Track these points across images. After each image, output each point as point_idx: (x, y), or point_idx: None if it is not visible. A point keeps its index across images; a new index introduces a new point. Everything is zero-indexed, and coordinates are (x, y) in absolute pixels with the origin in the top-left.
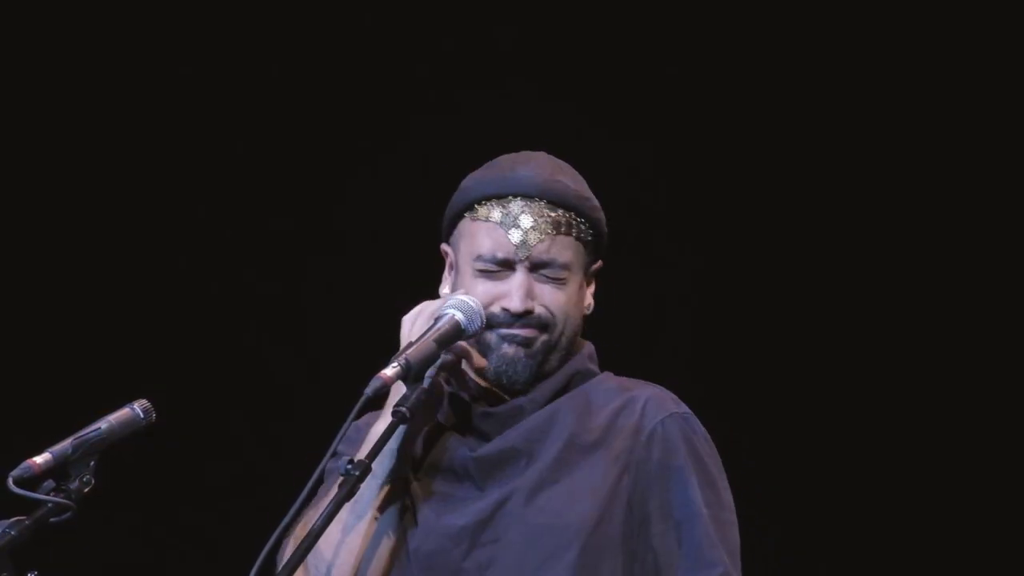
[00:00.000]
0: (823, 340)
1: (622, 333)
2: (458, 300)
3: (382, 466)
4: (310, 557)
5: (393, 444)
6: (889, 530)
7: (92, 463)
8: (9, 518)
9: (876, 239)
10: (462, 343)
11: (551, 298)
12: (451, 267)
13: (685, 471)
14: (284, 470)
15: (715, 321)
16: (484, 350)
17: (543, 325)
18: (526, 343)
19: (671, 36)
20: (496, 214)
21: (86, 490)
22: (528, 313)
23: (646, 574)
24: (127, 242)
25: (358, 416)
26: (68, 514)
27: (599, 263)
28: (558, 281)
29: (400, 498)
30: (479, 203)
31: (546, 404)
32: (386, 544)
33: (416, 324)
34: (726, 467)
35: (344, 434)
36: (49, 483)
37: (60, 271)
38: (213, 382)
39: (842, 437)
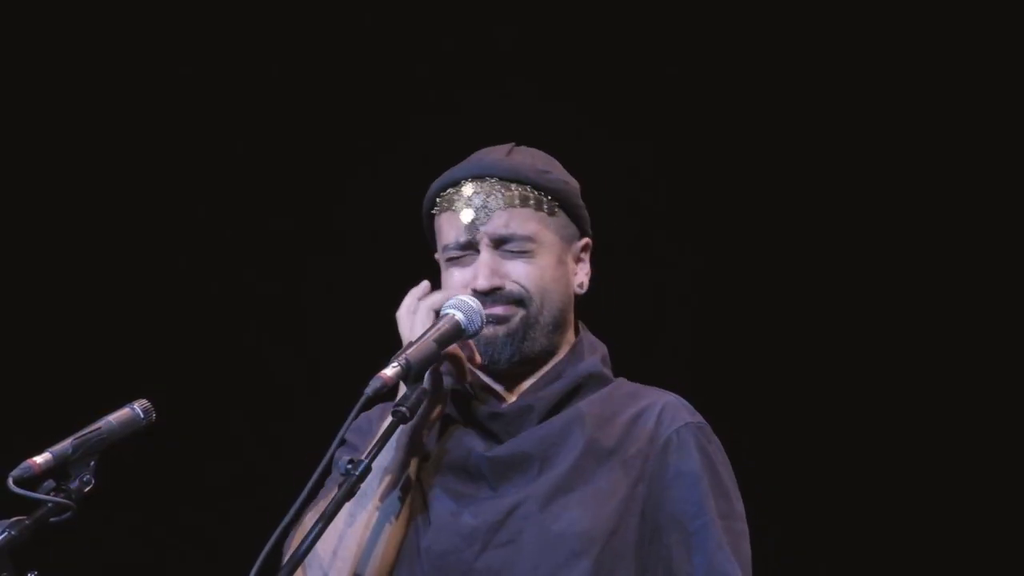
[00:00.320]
0: (823, 340)
1: (622, 333)
2: (458, 299)
3: (386, 461)
4: (310, 557)
5: (395, 441)
6: (889, 530)
7: (92, 463)
8: (9, 518)
9: (876, 239)
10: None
11: (521, 272)
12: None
13: (700, 481)
14: (284, 470)
15: (715, 321)
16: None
17: (518, 300)
18: (502, 320)
19: (671, 36)
20: (451, 202)
21: (86, 490)
22: (497, 290)
23: None
24: (127, 242)
25: (357, 416)
26: (68, 514)
27: (585, 240)
28: (525, 254)
29: (406, 494)
30: (438, 198)
31: (555, 405)
32: (390, 539)
33: (417, 318)
34: None
35: (344, 434)
36: (49, 483)
37: (60, 271)
38: (213, 382)
39: (842, 437)
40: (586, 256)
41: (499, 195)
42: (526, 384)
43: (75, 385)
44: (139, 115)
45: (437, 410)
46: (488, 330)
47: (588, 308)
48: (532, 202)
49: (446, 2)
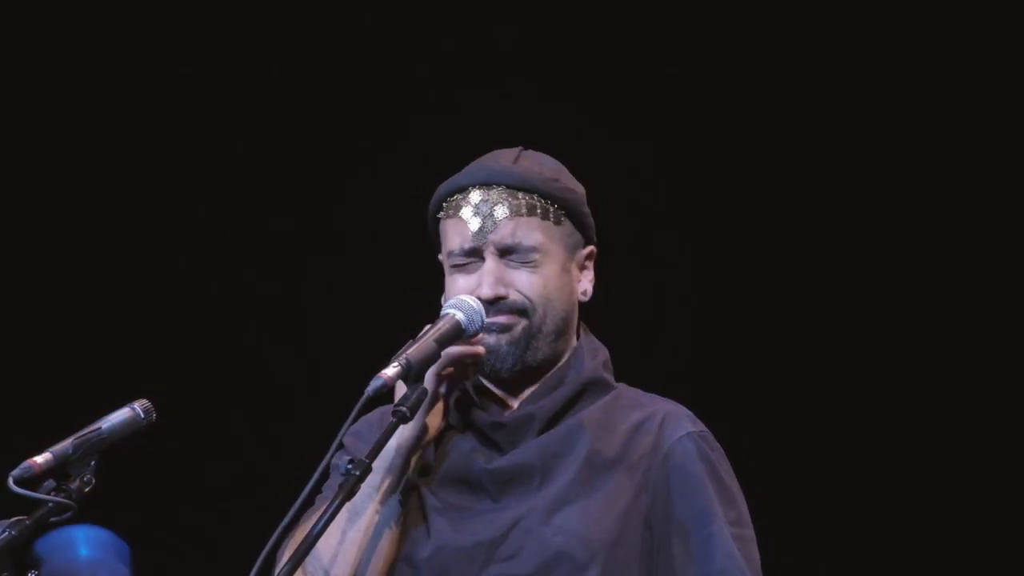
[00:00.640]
0: (823, 340)
1: (622, 333)
2: (458, 300)
3: (387, 462)
4: (308, 558)
5: (394, 442)
6: (889, 530)
7: (92, 463)
8: (9, 518)
9: (876, 239)
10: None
11: (525, 282)
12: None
13: (704, 489)
14: (284, 470)
15: (715, 321)
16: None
17: (521, 311)
18: (505, 330)
19: (671, 36)
20: (458, 208)
21: (86, 490)
22: (500, 299)
23: None
24: (127, 242)
25: (357, 417)
26: (68, 514)
27: (590, 248)
28: (530, 264)
29: (406, 495)
30: (444, 202)
31: (557, 412)
32: (391, 540)
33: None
34: None
35: (343, 436)
36: (49, 483)
37: (60, 271)
38: (213, 382)
39: (842, 437)
40: (590, 264)
41: (506, 204)
42: (528, 391)
43: (75, 385)
44: (139, 115)
45: (439, 418)
46: (491, 339)
47: (588, 308)
48: (539, 211)
49: (446, 2)
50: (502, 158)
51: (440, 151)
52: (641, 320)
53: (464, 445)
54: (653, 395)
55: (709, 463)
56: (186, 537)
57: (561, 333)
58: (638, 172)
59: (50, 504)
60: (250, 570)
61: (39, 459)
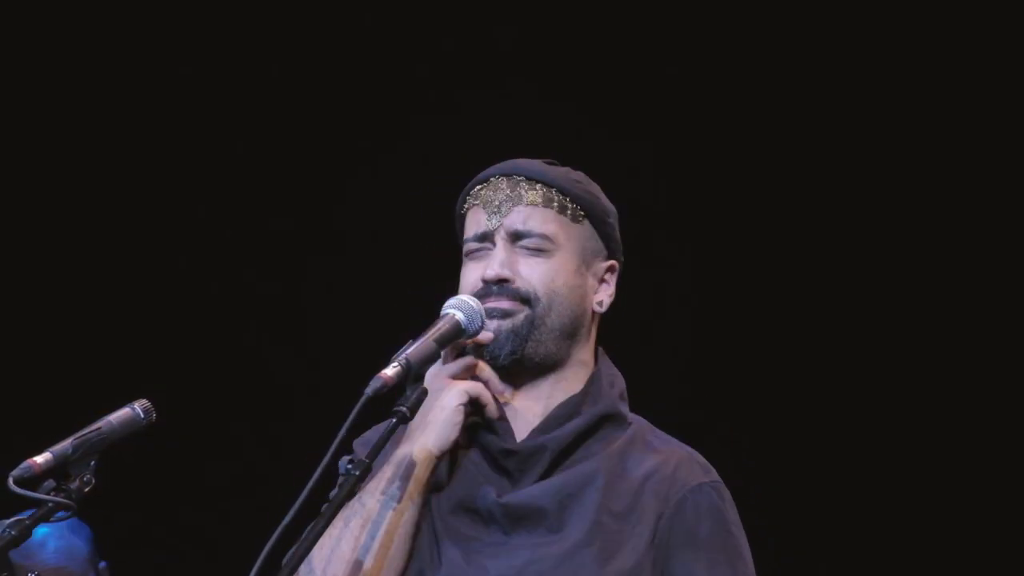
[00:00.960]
0: (823, 340)
1: (622, 333)
2: (458, 299)
3: (387, 463)
4: (309, 556)
5: (419, 454)
6: (889, 530)
7: (92, 463)
8: (9, 518)
9: (876, 239)
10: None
11: (532, 270)
12: None
13: (712, 545)
14: (284, 470)
15: (715, 321)
16: None
17: (524, 298)
18: (507, 316)
19: (671, 36)
20: (477, 197)
21: (86, 490)
22: (504, 281)
23: None
24: (127, 242)
25: (357, 417)
26: (68, 514)
27: (611, 262)
28: (540, 253)
29: (407, 496)
30: (468, 195)
31: (569, 445)
32: (390, 540)
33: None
34: (727, 468)
35: (343, 436)
36: (49, 483)
37: (60, 271)
38: (213, 382)
39: (842, 437)
40: (611, 278)
41: (523, 192)
42: (525, 388)
43: (75, 385)
44: (139, 115)
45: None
46: (491, 324)
47: None
48: (556, 204)
49: (446, 2)
50: (532, 159)
51: (440, 151)
52: (641, 320)
53: (473, 469)
54: (667, 438)
55: (719, 516)
56: (186, 537)
57: (568, 334)
58: (638, 172)
59: (50, 504)
60: (250, 570)
61: (39, 459)
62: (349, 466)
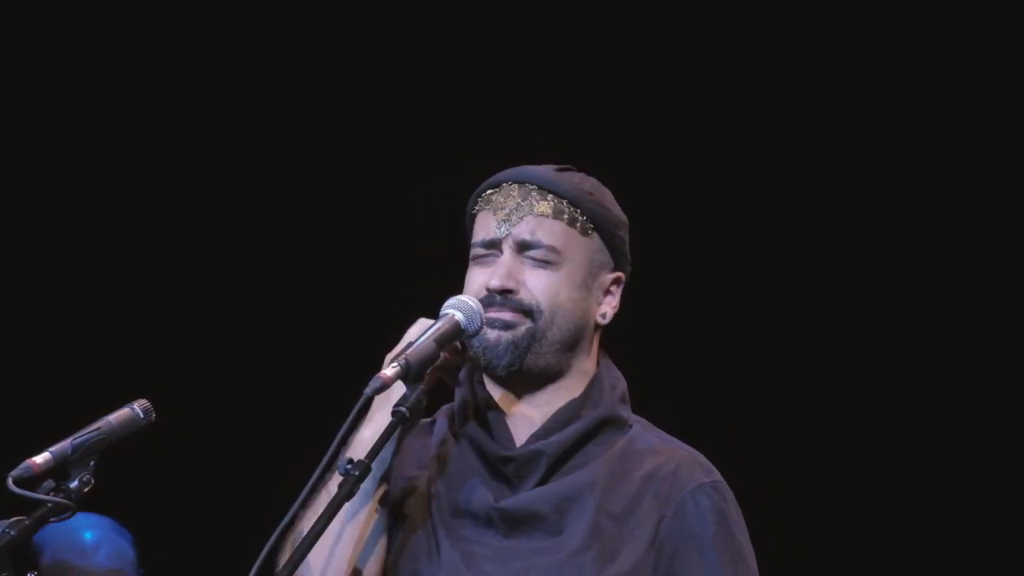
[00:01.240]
0: (823, 340)
1: (622, 334)
2: (458, 300)
3: (386, 463)
4: (308, 556)
5: (392, 446)
6: (889, 530)
7: (92, 463)
8: (9, 518)
9: (876, 239)
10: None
11: (537, 282)
12: None
13: (715, 546)
14: (284, 470)
15: (715, 321)
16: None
17: (527, 311)
18: (508, 327)
19: (671, 36)
20: (488, 202)
21: (86, 490)
22: (508, 292)
23: None
24: (127, 242)
25: (357, 417)
26: (68, 514)
27: (617, 274)
28: (546, 265)
29: (407, 513)
30: (480, 197)
31: (567, 449)
32: (379, 552)
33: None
34: (727, 468)
35: (343, 436)
36: (49, 483)
37: (60, 271)
38: (213, 382)
39: (842, 437)
40: (616, 290)
41: (534, 202)
42: (525, 396)
43: (75, 385)
44: (139, 115)
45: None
46: (491, 334)
47: None
48: (566, 216)
49: (446, 2)
50: (546, 166)
51: (440, 151)
52: (641, 320)
53: (470, 473)
54: (668, 438)
55: (721, 516)
56: (186, 537)
57: (569, 346)
58: (638, 172)
59: (49, 504)
60: (250, 570)
61: (39, 459)
62: (348, 466)
